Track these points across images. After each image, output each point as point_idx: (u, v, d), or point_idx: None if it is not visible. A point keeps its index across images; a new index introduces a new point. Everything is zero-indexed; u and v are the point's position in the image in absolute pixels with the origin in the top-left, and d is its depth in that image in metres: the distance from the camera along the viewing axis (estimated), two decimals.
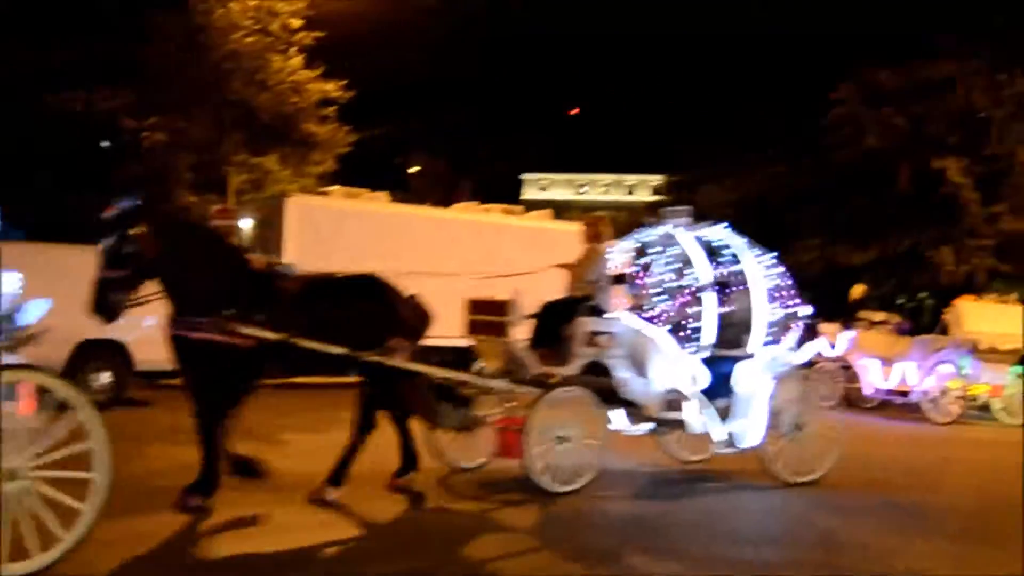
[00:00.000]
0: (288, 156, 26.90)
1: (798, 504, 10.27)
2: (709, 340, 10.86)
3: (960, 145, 27.82)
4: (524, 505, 9.19)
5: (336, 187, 22.93)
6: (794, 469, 11.07)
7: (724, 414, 10.91)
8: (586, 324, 10.42)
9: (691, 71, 69.62)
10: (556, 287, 10.99)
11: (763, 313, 11.22)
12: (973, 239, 27.18)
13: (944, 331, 21.67)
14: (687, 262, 11.13)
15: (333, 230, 19.44)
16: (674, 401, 10.73)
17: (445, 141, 66.39)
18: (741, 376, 11.02)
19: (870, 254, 28.63)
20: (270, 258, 10.42)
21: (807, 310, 11.72)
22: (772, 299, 11.34)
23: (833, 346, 22.73)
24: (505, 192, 73.05)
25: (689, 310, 11.03)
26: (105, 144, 30.44)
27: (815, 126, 30.53)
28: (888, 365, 21.59)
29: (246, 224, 23.10)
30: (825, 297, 31.34)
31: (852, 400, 22.24)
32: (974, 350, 20.72)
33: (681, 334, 10.91)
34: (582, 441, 9.92)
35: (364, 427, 9.16)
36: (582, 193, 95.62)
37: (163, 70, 24.81)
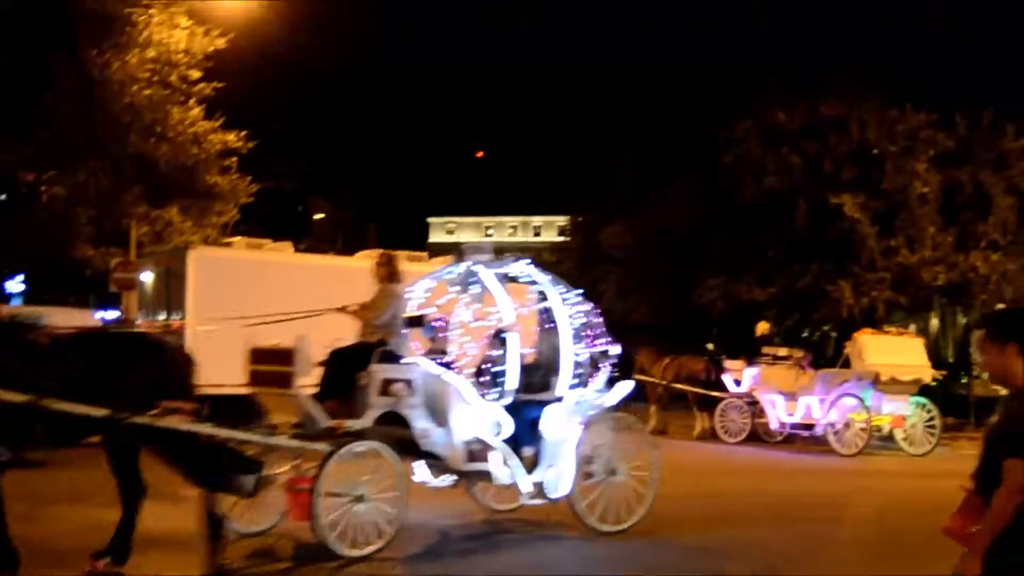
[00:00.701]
0: (190, 207, 26.54)
1: (608, 553, 9.75)
2: (513, 385, 10.25)
3: (856, 181, 28.42)
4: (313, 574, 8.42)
5: (239, 238, 22.66)
6: (607, 517, 10.51)
7: (532, 463, 10.32)
8: (380, 371, 9.71)
9: (596, 110, 70.62)
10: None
11: (570, 353, 10.68)
12: (871, 273, 27.73)
13: (846, 364, 22.08)
14: (489, 301, 10.58)
15: (236, 281, 19.19)
16: (478, 451, 10.10)
17: (350, 187, 66.13)
18: (548, 422, 10.44)
19: (772, 290, 29.06)
20: (13, 309, 9.82)
21: (616, 349, 11.16)
22: (580, 338, 10.81)
23: (738, 382, 23.06)
24: (412, 236, 73.14)
25: (492, 353, 10.54)
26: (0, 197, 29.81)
27: (716, 164, 30.95)
28: (793, 399, 21.94)
29: (148, 277, 22.72)
30: (731, 334, 31.86)
31: (759, 435, 22.57)
32: (876, 382, 21.15)
33: (483, 379, 10.38)
34: (380, 498, 9.18)
35: (132, 493, 8.21)
36: (489, 235, 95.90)
37: (60, 123, 24.35)
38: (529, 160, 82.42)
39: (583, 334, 10.81)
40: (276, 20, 30.28)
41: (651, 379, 24.17)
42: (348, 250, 31.18)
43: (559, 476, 10.33)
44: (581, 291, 11.02)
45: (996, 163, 29.13)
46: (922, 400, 21.81)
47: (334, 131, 75.73)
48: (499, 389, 10.22)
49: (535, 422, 10.39)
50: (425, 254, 25.12)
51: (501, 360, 10.31)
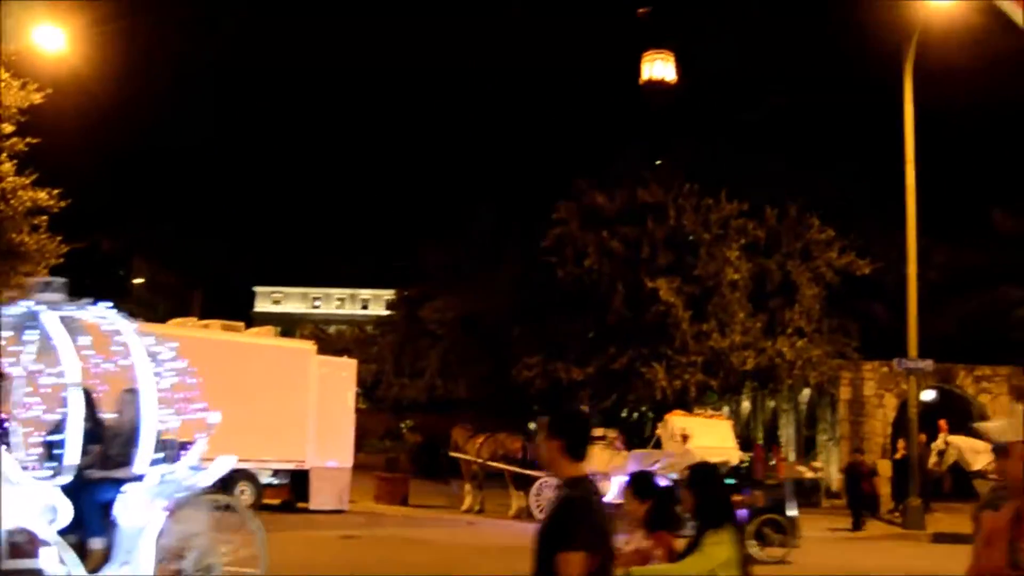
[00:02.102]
0: None
1: None
2: (74, 459, 8.19)
3: (671, 266, 29.24)
4: None
5: None
6: None
7: (100, 558, 8.41)
8: None
9: (423, 186, 71.03)
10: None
11: (153, 421, 8.63)
12: (684, 355, 28.44)
13: (658, 445, 22.49)
14: (53, 351, 8.43)
15: None
16: (23, 545, 8.00)
17: (174, 251, 64.70)
18: (124, 505, 8.51)
19: (589, 370, 29.50)
20: None
21: (216, 417, 9.13)
22: (169, 403, 8.80)
23: None
24: (238, 304, 71.77)
25: (47, 416, 8.57)
26: None
27: (538, 244, 31.37)
28: (607, 479, 22.15)
29: None
30: (549, 413, 32.16)
31: None
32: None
33: (34, 450, 8.40)
34: None
35: None
36: (316, 307, 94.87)
37: None
38: (359, 233, 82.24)
39: (174, 398, 8.80)
40: (100, 77, 29.54)
41: (466, 456, 24.13)
42: (173, 315, 30.40)
43: (135, 573, 8.39)
44: (175, 345, 9.12)
45: (802, 253, 30.45)
46: (730, 480, 22.34)
47: (161, 194, 74.11)
48: (55, 464, 8.16)
49: (106, 507, 8.50)
50: (242, 324, 24.62)
51: (61, 426, 8.29)
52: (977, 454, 21.30)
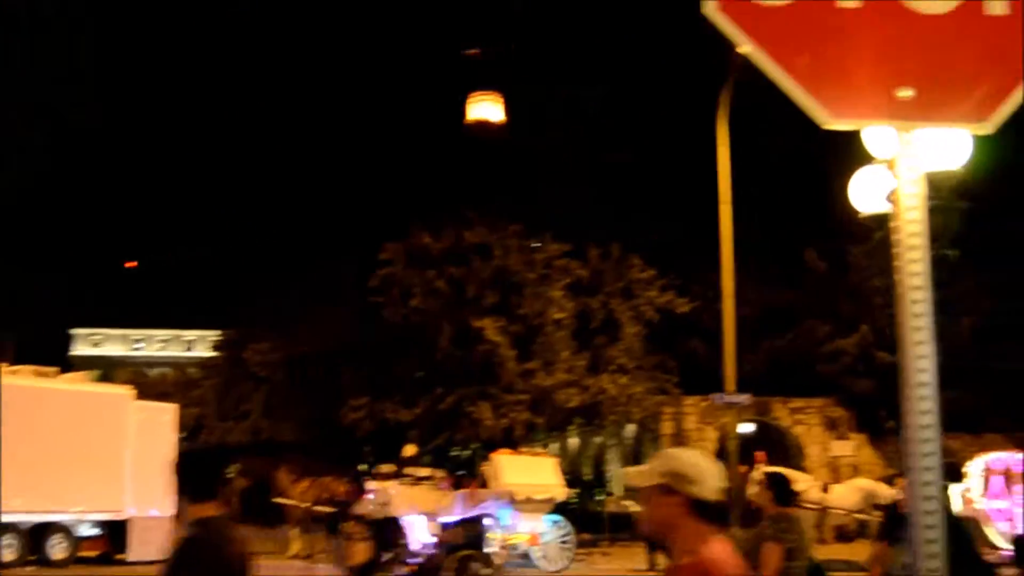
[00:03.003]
0: None
1: None
2: None
3: (497, 306, 29.50)
4: None
5: None
6: None
7: None
8: None
9: (252, 224, 69.83)
10: None
11: None
12: (510, 394, 28.68)
13: (484, 484, 22.58)
14: None
15: None
16: None
17: None
18: None
19: (417, 411, 29.43)
20: None
21: None
22: None
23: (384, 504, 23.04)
24: (55, 349, 68.89)
25: None
26: None
27: (365, 284, 31.20)
28: (433, 520, 22.14)
29: None
30: (384, 454, 31.89)
31: (401, 556, 22.56)
32: (512, 501, 21.71)
33: None
34: None
35: None
36: (137, 349, 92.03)
37: None
38: (182, 273, 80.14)
39: None
40: None
41: (289, 501, 23.75)
42: None
43: None
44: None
45: (624, 292, 31.15)
46: (556, 518, 22.61)
47: None
48: None
49: None
50: (55, 369, 23.74)
51: None
52: (795, 484, 22.13)
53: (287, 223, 53.38)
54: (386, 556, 22.18)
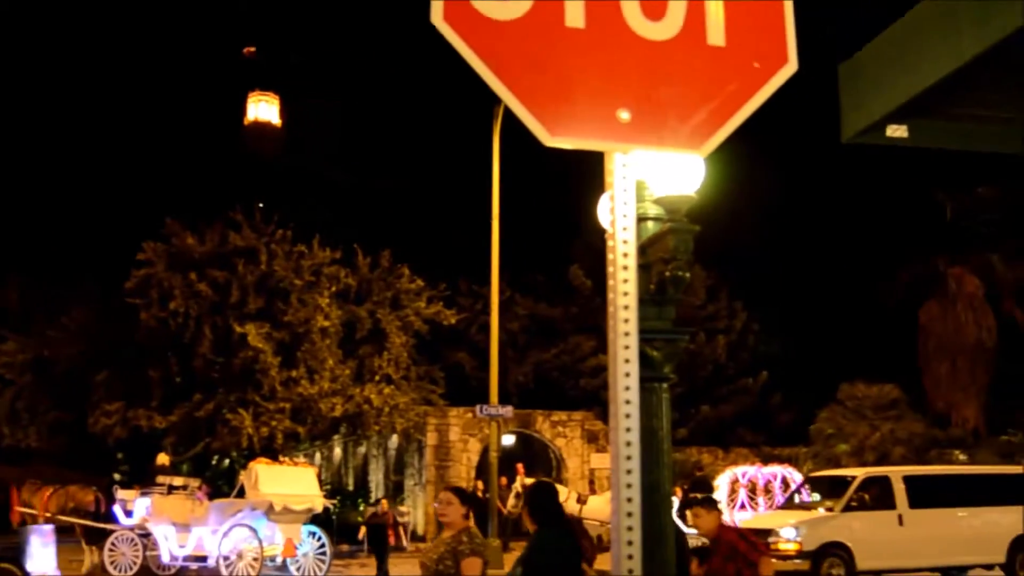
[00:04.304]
0: None
1: None
2: None
3: (262, 311, 28.82)
4: None
5: None
6: None
7: None
8: None
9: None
10: None
11: None
12: (272, 402, 28.08)
13: (242, 494, 22.11)
14: None
15: None
16: None
17: None
18: None
19: (173, 418, 28.43)
20: None
21: None
22: None
23: (130, 513, 22.27)
24: None
25: None
26: None
27: (121, 285, 29.84)
28: (186, 531, 21.56)
29: None
30: (140, 463, 30.67)
31: (151, 569, 21.85)
32: (269, 512, 21.33)
33: None
34: None
35: None
36: None
37: None
38: None
39: None
40: None
41: (32, 511, 22.57)
42: None
43: None
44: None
45: (393, 302, 31.06)
46: (313, 529, 22.34)
47: None
48: None
49: None
50: None
51: None
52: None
53: (39, 217, 50.83)
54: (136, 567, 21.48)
